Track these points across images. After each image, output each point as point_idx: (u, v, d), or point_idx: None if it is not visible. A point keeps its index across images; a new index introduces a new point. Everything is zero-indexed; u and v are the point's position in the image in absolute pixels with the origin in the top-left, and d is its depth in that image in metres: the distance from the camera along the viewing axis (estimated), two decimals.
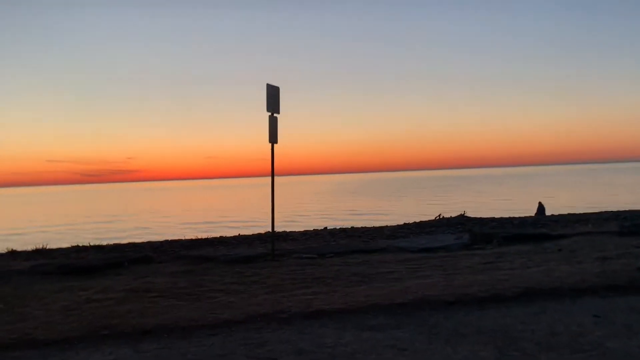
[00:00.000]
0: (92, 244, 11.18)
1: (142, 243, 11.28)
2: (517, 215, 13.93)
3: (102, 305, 5.25)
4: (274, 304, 5.09)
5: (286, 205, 44.71)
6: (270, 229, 8.65)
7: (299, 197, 63.42)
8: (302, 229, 12.81)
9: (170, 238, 12.14)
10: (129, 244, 11.21)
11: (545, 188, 57.03)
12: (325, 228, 12.79)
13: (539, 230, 10.17)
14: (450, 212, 14.44)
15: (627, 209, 14.19)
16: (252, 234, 12.06)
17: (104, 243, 11.47)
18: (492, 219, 12.59)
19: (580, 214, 13.44)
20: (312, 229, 12.86)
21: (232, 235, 12.09)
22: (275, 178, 8.20)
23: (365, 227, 12.44)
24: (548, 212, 14.98)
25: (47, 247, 10.64)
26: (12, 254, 10.11)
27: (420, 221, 12.91)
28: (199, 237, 11.88)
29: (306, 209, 41.48)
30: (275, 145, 8.15)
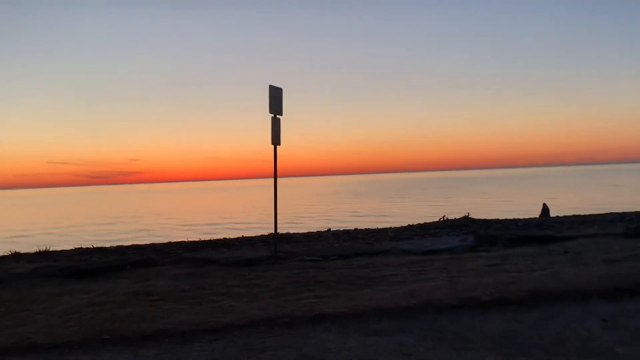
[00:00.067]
0: (95, 246, 11.16)
1: (145, 245, 11.25)
2: (521, 217, 13.84)
3: (103, 308, 5.20)
4: (276, 308, 5.02)
5: (289, 207, 44.64)
6: (273, 231, 8.58)
7: (302, 199, 63.33)
8: (305, 231, 12.75)
9: (173, 240, 12.11)
10: (132, 246, 11.17)
11: (548, 189, 56.85)
12: (329, 230, 12.72)
13: (544, 232, 10.07)
14: (454, 213, 14.35)
15: (632, 211, 14.07)
16: (255, 236, 12.01)
17: (107, 245, 11.44)
18: (497, 221, 12.50)
19: (585, 216, 13.33)
20: (315, 230, 12.79)
21: (235, 237, 12.04)
22: (278, 180, 8.13)
23: (369, 229, 12.36)
24: (552, 214, 14.88)
25: (50, 250, 10.61)
26: (15, 256, 10.09)
27: (425, 223, 12.82)
28: (202, 239, 11.84)
29: (309, 210, 41.41)
30: (278, 146, 8.09)
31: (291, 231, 12.81)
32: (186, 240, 11.89)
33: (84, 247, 11.16)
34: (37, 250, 10.44)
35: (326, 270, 7.02)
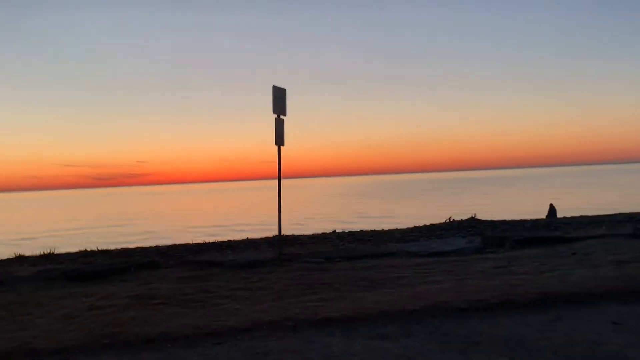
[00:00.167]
0: (99, 248, 11.13)
1: (150, 247, 11.20)
2: (527, 218, 13.69)
3: (105, 312, 5.14)
4: (280, 311, 4.95)
5: (295, 208, 44.59)
6: (277, 233, 8.52)
7: (307, 200, 63.29)
8: (310, 233, 12.66)
9: (178, 242, 12.06)
10: (137, 248, 11.12)
11: (554, 189, 56.54)
12: (334, 231, 12.62)
13: (551, 233, 9.94)
14: (460, 214, 14.22)
15: None
16: (260, 238, 11.93)
17: (113, 247, 11.41)
18: (504, 222, 12.36)
19: (592, 216, 13.17)
20: (320, 232, 12.70)
21: (239, 239, 11.97)
22: (284, 181, 8.08)
23: (374, 231, 12.25)
24: (559, 214, 14.73)
25: (55, 252, 10.59)
26: (20, 259, 10.07)
27: (431, 224, 12.71)
28: (207, 241, 11.78)
29: (314, 212, 41.34)
30: (282, 147, 8.04)
31: (296, 233, 12.72)
32: (191, 242, 11.83)
33: (88, 249, 11.14)
34: (42, 252, 10.41)
35: (331, 272, 6.95)
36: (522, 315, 4.71)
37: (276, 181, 8.20)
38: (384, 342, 4.07)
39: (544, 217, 14.48)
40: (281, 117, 7.91)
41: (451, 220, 12.91)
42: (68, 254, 10.55)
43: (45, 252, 10.42)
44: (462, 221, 12.52)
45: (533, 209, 23.53)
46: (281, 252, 8.15)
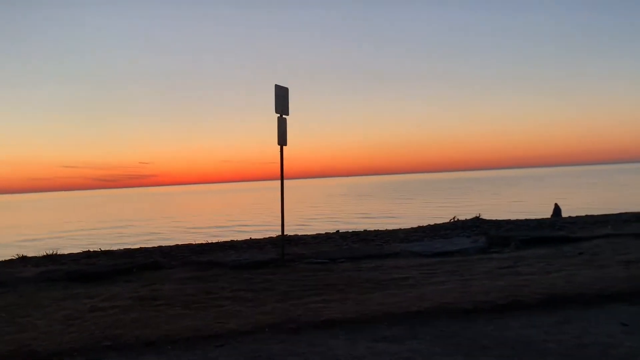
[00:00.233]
0: (102, 249, 11.08)
1: (153, 248, 11.15)
2: (532, 217, 13.59)
3: (107, 314, 5.07)
4: (282, 313, 4.87)
5: (298, 208, 44.53)
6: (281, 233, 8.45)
7: (310, 200, 63.22)
8: (313, 233, 12.59)
9: (181, 243, 12.01)
10: (140, 249, 11.08)
11: (557, 189, 56.27)
12: (337, 231, 12.55)
13: (557, 232, 9.84)
14: (464, 214, 14.12)
15: None
16: (264, 238, 11.87)
17: (116, 248, 11.36)
18: (508, 221, 12.27)
19: (598, 216, 13.06)
20: (324, 232, 12.63)
21: (243, 239, 11.91)
22: (287, 181, 8.00)
23: (378, 230, 12.17)
24: (564, 214, 14.60)
25: (58, 253, 10.54)
26: (23, 260, 10.03)
27: (435, 224, 12.62)
28: (210, 241, 11.72)
29: (317, 212, 41.26)
30: (285, 147, 7.96)
31: (300, 233, 12.66)
32: (194, 242, 11.78)
33: (91, 250, 11.10)
34: (45, 254, 10.37)
35: (334, 273, 6.87)
36: (529, 317, 4.62)
37: (278, 182, 8.12)
38: (389, 344, 3.98)
39: (548, 216, 14.35)
40: (283, 116, 7.84)
41: (455, 220, 12.82)
42: (71, 255, 10.51)
43: (48, 253, 10.38)
44: (466, 221, 12.43)
45: (537, 209, 23.40)
46: (284, 252, 8.07)
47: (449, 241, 9.37)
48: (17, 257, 10.28)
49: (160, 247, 11.36)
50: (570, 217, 13.42)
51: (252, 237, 12.32)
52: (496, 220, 12.63)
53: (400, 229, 12.37)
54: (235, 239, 12.09)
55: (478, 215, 12.92)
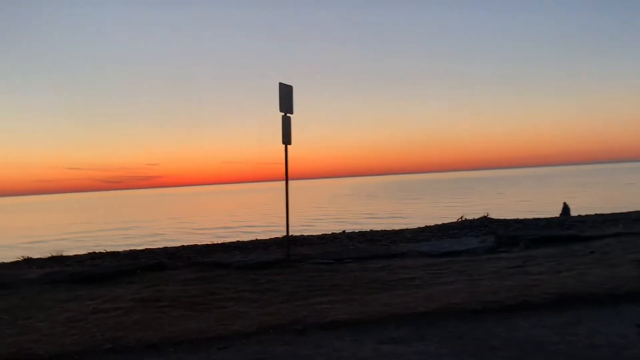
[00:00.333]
0: (108, 250, 11.05)
1: (158, 249, 11.12)
2: (540, 217, 13.45)
3: (109, 315, 5.01)
4: (288, 314, 4.79)
5: (303, 209, 44.44)
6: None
7: (316, 201, 63.12)
8: (319, 233, 12.51)
9: (187, 244, 11.96)
10: (145, 250, 11.04)
11: (566, 188, 55.84)
12: (344, 232, 12.46)
13: (566, 231, 9.70)
14: (472, 214, 14.00)
15: None
16: (269, 239, 11.80)
17: (121, 250, 11.33)
18: (517, 221, 12.14)
19: (607, 215, 12.91)
20: (330, 232, 12.55)
21: (248, 240, 11.85)
22: (292, 182, 7.92)
23: (385, 231, 12.07)
24: (573, 213, 14.44)
25: (63, 255, 10.52)
26: (28, 261, 10.01)
27: (442, 224, 12.51)
28: (215, 242, 11.67)
29: (324, 212, 41.16)
30: (289, 147, 7.89)
31: (305, 233, 12.58)
32: (199, 243, 11.73)
33: (96, 251, 11.07)
34: (50, 255, 10.35)
35: (340, 273, 6.78)
36: (539, 317, 4.51)
37: (283, 182, 8.04)
38: (395, 346, 3.89)
39: (556, 215, 14.21)
40: (288, 115, 7.76)
41: (463, 219, 12.70)
42: (76, 257, 10.48)
43: (53, 254, 10.36)
44: (474, 220, 12.31)
45: (544, 208, 23.21)
46: (290, 252, 7.99)
47: (457, 241, 9.26)
48: (22, 258, 10.27)
49: (165, 248, 11.32)
50: (579, 215, 13.28)
51: (258, 238, 12.27)
52: (504, 219, 12.50)
53: (407, 229, 12.27)
54: (240, 239, 12.03)
55: (486, 215, 12.80)
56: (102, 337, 4.30)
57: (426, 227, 12.33)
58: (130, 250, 11.22)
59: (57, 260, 9.90)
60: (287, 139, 7.76)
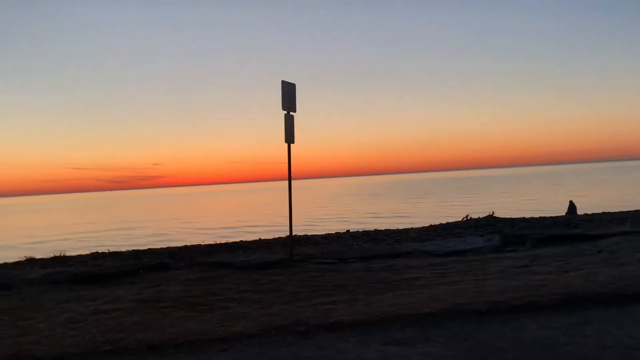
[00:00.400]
0: (111, 250, 11.01)
1: (161, 249, 11.08)
2: (545, 215, 13.33)
3: (109, 316, 4.94)
4: (290, 315, 4.70)
5: (307, 208, 44.38)
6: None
7: (319, 200, 63.05)
8: (323, 233, 12.44)
9: (190, 244, 11.91)
10: (148, 250, 11.00)
11: (574, 187, 55.52)
12: (348, 231, 12.39)
13: (573, 230, 9.59)
14: (477, 213, 13.89)
15: None
16: (273, 238, 11.75)
17: (124, 249, 11.29)
18: (523, 219, 12.02)
19: (614, 213, 12.79)
20: (334, 232, 12.47)
21: (252, 239, 11.80)
22: (295, 181, 7.85)
23: (389, 230, 11.98)
24: (579, 212, 14.32)
25: (66, 255, 10.48)
26: (30, 261, 9.98)
27: (447, 223, 12.40)
28: (218, 242, 11.61)
29: (327, 212, 41.08)
30: (292, 146, 7.81)
31: (309, 233, 12.52)
32: (202, 243, 11.68)
33: (99, 251, 11.03)
34: (52, 255, 10.31)
35: (344, 273, 6.70)
36: (547, 318, 4.42)
37: (287, 182, 7.97)
38: (400, 348, 3.81)
39: (562, 214, 14.08)
40: (291, 113, 7.68)
41: (468, 218, 12.59)
42: (79, 257, 10.44)
43: (56, 254, 10.32)
44: (479, 219, 12.20)
45: (550, 207, 23.08)
46: (293, 252, 7.91)
47: (462, 240, 9.15)
48: (24, 259, 10.24)
49: (168, 248, 11.28)
50: (585, 214, 13.15)
51: (261, 238, 12.21)
52: (510, 218, 12.39)
53: (411, 228, 12.18)
54: (244, 239, 11.98)
55: (491, 214, 12.69)
56: (102, 339, 4.23)
57: (431, 226, 12.23)
58: (133, 250, 11.18)
59: (60, 261, 9.86)
60: (290, 138, 7.68)
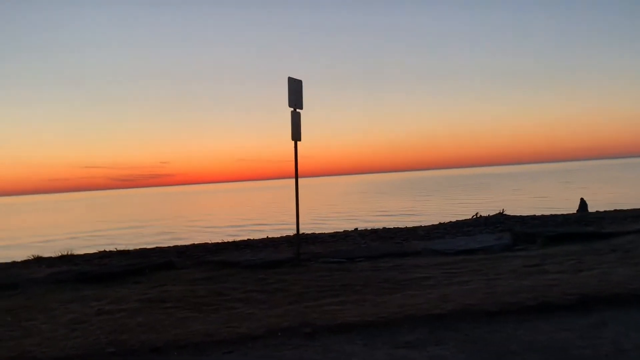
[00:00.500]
0: (118, 249, 10.97)
1: (168, 248, 11.02)
2: (556, 213, 13.13)
3: (113, 317, 4.87)
4: (297, 316, 4.60)
5: (315, 206, 44.29)
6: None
7: (328, 198, 62.92)
8: (331, 231, 12.33)
9: (197, 242, 11.86)
10: (155, 248, 10.95)
11: (582, 184, 54.98)
12: (356, 229, 12.27)
13: (585, 228, 9.40)
14: (487, 210, 13.71)
15: None
16: (280, 237, 11.66)
17: (132, 248, 11.25)
18: (534, 217, 11.84)
19: (627, 211, 12.56)
20: (341, 230, 12.36)
21: (259, 238, 11.71)
22: (303, 179, 7.75)
23: (398, 228, 11.85)
24: (591, 209, 14.10)
25: (73, 253, 10.46)
26: (37, 260, 9.96)
27: (457, 221, 12.24)
28: (226, 240, 11.55)
29: (335, 210, 40.96)
30: (299, 143, 7.70)
31: (317, 231, 12.40)
32: (209, 242, 11.62)
33: (107, 250, 11.00)
34: (60, 254, 10.29)
35: (352, 272, 6.58)
36: (561, 320, 4.29)
37: (294, 180, 7.86)
38: (409, 351, 3.69)
39: (573, 212, 13.87)
40: (297, 110, 7.56)
41: (478, 216, 12.42)
42: (86, 255, 10.41)
43: (63, 253, 10.29)
44: (489, 217, 12.04)
45: (561, 204, 22.81)
46: (300, 251, 7.81)
47: (472, 238, 9.00)
48: (32, 257, 10.22)
49: (176, 246, 11.23)
50: (597, 212, 12.94)
51: (269, 236, 12.13)
52: (520, 216, 12.21)
53: (420, 226, 12.02)
54: (251, 238, 11.90)
55: (501, 211, 12.52)
56: (106, 340, 4.14)
57: (440, 224, 12.07)
58: (140, 248, 11.13)
59: (67, 259, 9.83)
60: (296, 135, 7.57)
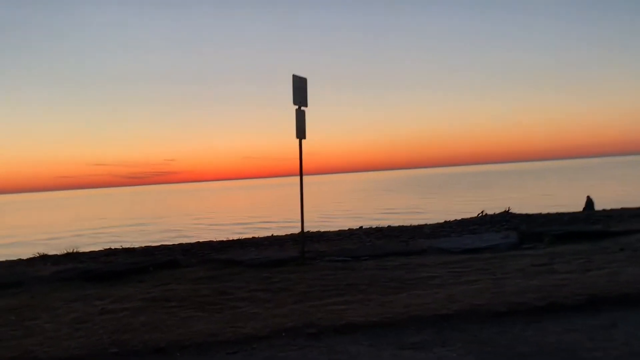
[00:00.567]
0: (123, 247, 10.96)
1: (173, 246, 11.01)
2: (563, 211, 12.99)
3: (116, 316, 4.83)
4: (301, 316, 4.55)
5: (320, 204, 44.21)
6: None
7: (333, 196, 62.83)
8: (336, 229, 12.26)
9: (203, 240, 11.83)
10: (160, 246, 10.93)
11: (588, 181, 54.57)
12: (361, 227, 12.21)
13: (593, 227, 9.30)
14: (492, 208, 13.58)
15: None
16: (285, 235, 11.62)
17: (138, 246, 11.23)
18: (540, 215, 11.73)
19: (634, 209, 12.40)
20: (347, 228, 12.29)
21: (264, 236, 11.68)
22: (308, 177, 7.69)
23: (403, 226, 11.77)
24: (597, 207, 13.96)
25: (78, 251, 10.45)
26: (43, 258, 9.96)
27: (462, 219, 12.14)
28: (231, 238, 11.52)
29: (341, 207, 40.87)
30: (304, 141, 7.64)
31: (322, 229, 12.34)
32: (214, 240, 11.59)
33: (112, 247, 10.99)
34: (65, 252, 10.28)
35: (357, 271, 6.52)
36: (570, 320, 4.22)
37: (299, 178, 7.80)
38: (415, 352, 3.63)
39: (579, 210, 13.74)
40: (302, 108, 7.50)
41: (484, 214, 12.33)
42: (91, 253, 10.41)
43: (69, 251, 10.29)
44: (495, 215, 11.94)
45: (567, 202, 22.59)
46: (305, 249, 7.75)
47: (478, 237, 8.92)
48: (38, 255, 10.23)
49: (181, 244, 11.22)
50: (604, 210, 12.81)
51: (274, 234, 12.08)
52: (526, 214, 12.09)
53: (426, 225, 11.93)
54: (256, 235, 11.86)
55: (507, 209, 12.41)
56: (109, 340, 4.11)
57: (446, 222, 11.98)
58: (146, 246, 11.12)
59: (72, 257, 9.83)
60: (301, 133, 7.50)
